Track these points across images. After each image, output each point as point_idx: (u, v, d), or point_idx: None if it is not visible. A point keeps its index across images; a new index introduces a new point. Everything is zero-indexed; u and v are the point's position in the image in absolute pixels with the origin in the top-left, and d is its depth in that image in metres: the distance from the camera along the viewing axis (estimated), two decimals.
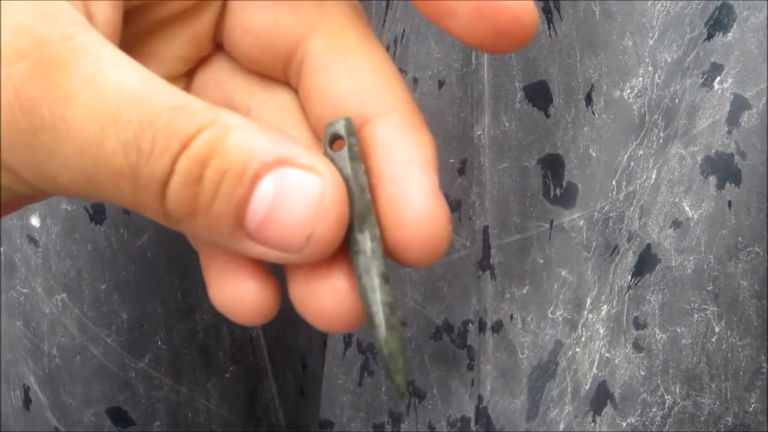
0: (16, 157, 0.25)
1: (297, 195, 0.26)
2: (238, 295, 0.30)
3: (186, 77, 0.33)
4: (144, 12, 0.30)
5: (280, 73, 0.31)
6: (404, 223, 0.28)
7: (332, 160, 0.28)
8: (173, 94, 0.26)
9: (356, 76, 0.29)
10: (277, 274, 0.30)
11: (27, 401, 0.54)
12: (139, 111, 0.25)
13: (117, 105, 0.25)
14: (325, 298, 0.29)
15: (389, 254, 0.29)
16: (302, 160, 0.26)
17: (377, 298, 0.29)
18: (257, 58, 0.31)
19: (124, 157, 0.25)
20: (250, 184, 0.26)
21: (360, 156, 0.29)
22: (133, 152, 0.25)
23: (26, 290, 0.52)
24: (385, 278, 0.29)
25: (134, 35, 0.30)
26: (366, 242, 0.28)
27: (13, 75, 0.25)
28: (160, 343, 0.53)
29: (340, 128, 0.29)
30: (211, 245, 0.29)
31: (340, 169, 0.28)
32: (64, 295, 0.51)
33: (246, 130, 0.26)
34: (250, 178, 0.26)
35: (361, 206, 0.28)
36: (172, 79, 0.32)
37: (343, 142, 0.29)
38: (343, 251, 0.29)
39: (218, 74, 0.33)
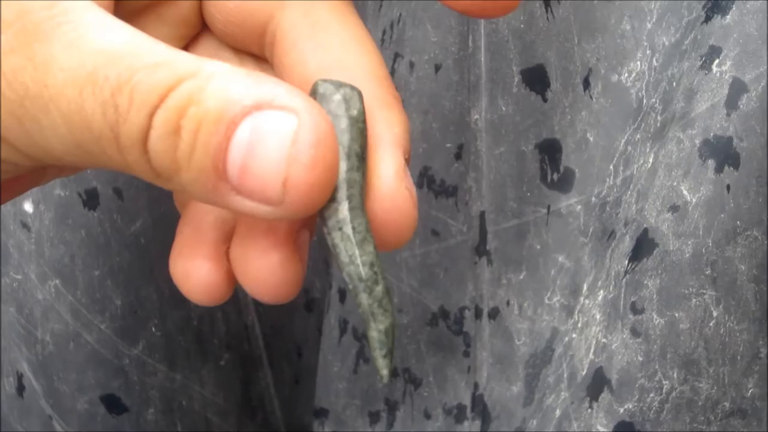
0: (10, 129, 0.25)
1: (270, 137, 0.24)
2: (189, 270, 0.31)
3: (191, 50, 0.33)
4: None
5: (257, 49, 0.31)
6: (371, 207, 0.28)
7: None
8: (157, 51, 0.25)
9: (325, 52, 0.29)
10: None
11: (20, 388, 0.54)
12: (117, 68, 0.24)
13: (95, 65, 0.24)
14: (259, 265, 0.29)
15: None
16: (280, 100, 0.25)
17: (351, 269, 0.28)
18: (232, 34, 0.31)
19: (103, 118, 0.24)
20: (226, 131, 0.24)
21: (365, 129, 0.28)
22: (111, 111, 0.24)
23: (19, 276, 0.51)
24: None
25: (125, 16, 0.30)
26: (344, 213, 0.28)
27: None
28: (154, 329, 0.53)
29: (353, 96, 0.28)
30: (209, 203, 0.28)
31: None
32: (57, 282, 0.51)
33: (228, 77, 0.25)
34: (225, 125, 0.24)
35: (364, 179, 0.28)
36: None
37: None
38: (291, 225, 0.29)
39: (208, 51, 0.33)
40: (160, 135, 0.24)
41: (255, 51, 0.32)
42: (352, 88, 0.28)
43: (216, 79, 0.24)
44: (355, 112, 0.27)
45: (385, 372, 0.29)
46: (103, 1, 0.28)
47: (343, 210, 0.27)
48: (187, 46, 0.33)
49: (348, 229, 0.28)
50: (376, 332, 0.29)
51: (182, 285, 0.31)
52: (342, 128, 0.27)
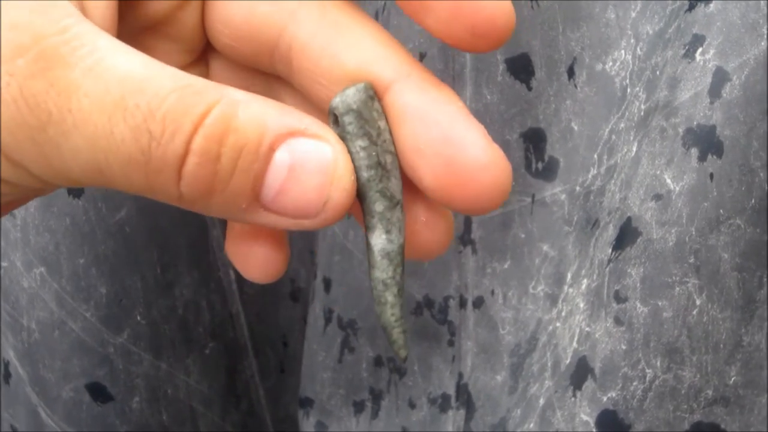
0: (26, 153, 0.25)
1: (312, 164, 0.27)
2: (248, 255, 0.33)
3: (202, 63, 0.33)
4: (135, 12, 0.30)
5: (267, 64, 0.31)
6: (473, 178, 0.28)
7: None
8: (175, 75, 0.26)
9: (360, 49, 0.29)
10: None
11: (7, 375, 0.54)
12: (144, 96, 0.25)
13: (121, 93, 0.25)
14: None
15: (458, 208, 0.29)
16: (312, 130, 0.27)
17: (374, 275, 0.30)
18: (240, 50, 0.31)
19: (134, 144, 0.25)
20: (265, 157, 0.26)
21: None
22: (144, 137, 0.25)
23: (5, 264, 0.51)
24: (388, 257, 0.30)
25: (132, 33, 0.30)
26: (374, 215, 0.29)
27: (15, 71, 0.25)
28: (139, 318, 0.53)
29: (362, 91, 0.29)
30: (227, 218, 0.30)
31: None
32: (42, 269, 0.51)
33: (254, 104, 0.26)
34: (265, 152, 0.26)
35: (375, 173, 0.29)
36: (184, 68, 0.32)
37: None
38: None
39: (219, 67, 0.33)
40: (198, 162, 0.25)
41: (264, 66, 0.31)
42: (360, 91, 0.29)
43: (244, 105, 0.26)
44: (378, 122, 0.29)
45: (402, 354, 0.32)
46: (105, 10, 0.28)
47: (380, 239, 0.30)
48: (192, 64, 0.33)
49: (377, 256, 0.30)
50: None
51: (241, 266, 0.33)
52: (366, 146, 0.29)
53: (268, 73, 0.32)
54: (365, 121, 0.28)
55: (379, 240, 0.30)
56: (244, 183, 0.26)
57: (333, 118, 0.29)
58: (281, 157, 0.26)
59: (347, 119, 0.28)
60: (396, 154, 0.29)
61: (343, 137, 0.28)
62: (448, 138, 0.28)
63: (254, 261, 0.33)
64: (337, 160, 0.27)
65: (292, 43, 0.30)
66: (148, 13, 0.31)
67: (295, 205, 0.27)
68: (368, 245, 0.30)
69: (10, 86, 0.25)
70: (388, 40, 0.29)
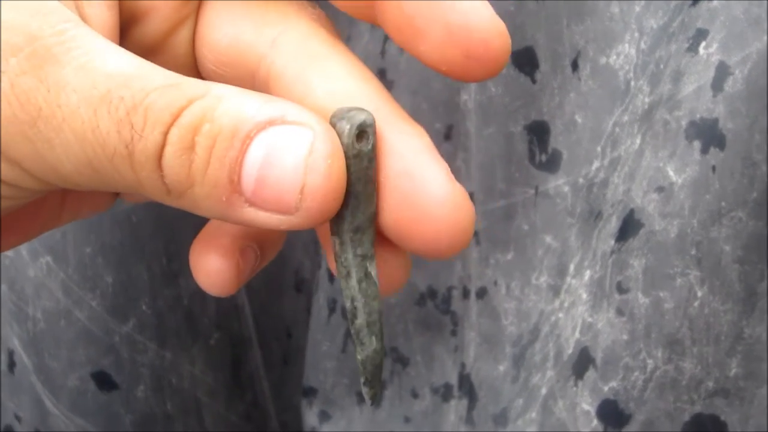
0: (19, 149, 0.26)
1: (287, 149, 0.26)
2: (201, 260, 0.32)
3: None
4: (134, 33, 0.31)
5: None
6: (431, 214, 0.28)
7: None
8: (166, 74, 0.26)
9: (331, 81, 0.29)
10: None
11: (11, 365, 0.54)
12: (130, 90, 0.25)
13: (108, 87, 0.25)
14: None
15: (415, 249, 0.28)
16: (291, 116, 0.26)
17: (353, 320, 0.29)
18: (223, 76, 0.32)
19: (118, 136, 0.26)
20: (241, 146, 0.26)
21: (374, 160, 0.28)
22: (126, 130, 0.25)
23: (10, 253, 0.52)
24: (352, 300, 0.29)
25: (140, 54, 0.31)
26: (351, 256, 0.29)
27: (8, 69, 0.25)
28: (144, 307, 0.53)
29: (368, 122, 0.28)
30: (219, 219, 0.29)
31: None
32: (48, 259, 0.51)
33: (236, 97, 0.26)
34: (241, 140, 0.26)
35: (362, 217, 0.28)
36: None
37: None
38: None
39: None
40: (175, 151, 0.26)
41: None
42: (364, 119, 0.28)
43: (226, 99, 0.26)
44: (368, 148, 0.28)
45: (366, 398, 0.31)
46: (107, 17, 0.29)
47: (348, 256, 0.29)
48: None
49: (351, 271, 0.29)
50: (357, 361, 0.30)
51: (195, 274, 0.33)
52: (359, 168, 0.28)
53: None
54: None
55: (352, 286, 0.29)
56: (220, 171, 0.26)
57: (357, 131, 0.28)
58: (257, 145, 0.26)
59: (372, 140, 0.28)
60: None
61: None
62: (410, 172, 0.28)
63: (204, 269, 0.32)
64: (314, 143, 0.26)
65: (270, 70, 0.30)
66: (145, 37, 0.31)
67: (274, 195, 0.26)
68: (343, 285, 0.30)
69: (2, 83, 0.25)
70: (364, 73, 0.29)
